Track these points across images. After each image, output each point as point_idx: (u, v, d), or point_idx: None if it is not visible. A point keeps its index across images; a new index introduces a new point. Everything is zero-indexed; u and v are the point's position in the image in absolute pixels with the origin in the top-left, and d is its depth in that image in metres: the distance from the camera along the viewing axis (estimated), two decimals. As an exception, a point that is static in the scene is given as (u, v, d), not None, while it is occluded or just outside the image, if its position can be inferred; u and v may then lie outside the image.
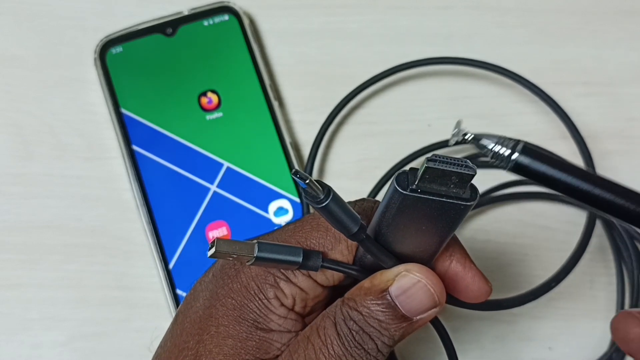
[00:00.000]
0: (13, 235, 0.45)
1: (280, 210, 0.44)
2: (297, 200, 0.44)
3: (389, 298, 0.28)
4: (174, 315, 0.43)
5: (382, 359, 0.29)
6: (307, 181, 0.24)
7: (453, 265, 0.30)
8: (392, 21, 0.48)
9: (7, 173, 0.45)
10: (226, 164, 0.45)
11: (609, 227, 0.44)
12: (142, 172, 0.45)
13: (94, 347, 0.43)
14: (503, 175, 0.41)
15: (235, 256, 0.27)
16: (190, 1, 0.47)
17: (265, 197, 0.44)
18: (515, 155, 0.25)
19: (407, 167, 0.29)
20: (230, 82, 0.46)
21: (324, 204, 0.25)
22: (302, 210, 0.44)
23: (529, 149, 0.25)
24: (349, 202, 0.26)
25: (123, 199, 0.45)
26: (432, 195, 0.25)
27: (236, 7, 0.47)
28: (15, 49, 0.47)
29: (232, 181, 0.45)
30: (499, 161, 0.25)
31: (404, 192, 0.25)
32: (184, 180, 0.45)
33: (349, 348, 0.28)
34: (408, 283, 0.28)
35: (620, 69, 0.47)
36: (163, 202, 0.44)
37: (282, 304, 0.30)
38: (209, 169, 0.45)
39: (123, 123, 0.45)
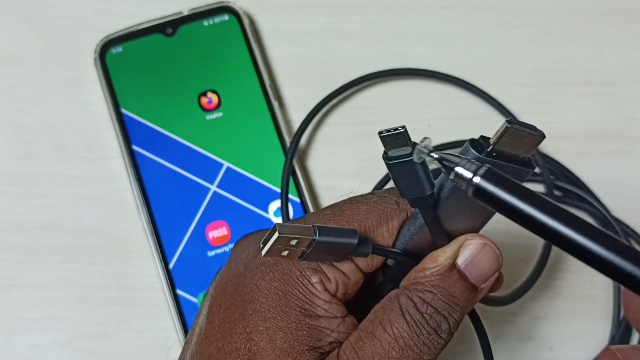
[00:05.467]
0: (13, 235, 0.45)
1: (280, 210, 0.44)
2: (297, 200, 0.44)
3: (458, 270, 0.28)
4: (173, 314, 0.43)
5: (449, 341, 0.28)
6: (403, 130, 0.24)
7: None
8: (392, 21, 0.48)
9: (7, 173, 0.45)
10: (226, 164, 0.45)
11: (606, 227, 0.44)
12: (142, 172, 0.45)
13: (94, 347, 0.43)
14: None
15: (296, 241, 0.26)
16: (190, 1, 0.47)
17: (265, 197, 0.44)
18: (476, 179, 0.23)
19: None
20: (230, 82, 0.46)
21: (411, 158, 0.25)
22: (302, 210, 0.44)
23: (493, 174, 0.23)
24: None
25: (123, 199, 0.45)
26: (505, 161, 0.25)
27: (236, 7, 0.47)
28: (15, 49, 0.47)
29: (232, 181, 0.45)
30: (460, 184, 0.23)
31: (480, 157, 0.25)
32: (184, 180, 0.45)
33: (421, 336, 0.28)
34: (475, 250, 0.28)
35: (620, 69, 0.47)
36: (163, 202, 0.44)
37: (326, 289, 0.29)
38: (209, 169, 0.45)
39: (123, 123, 0.45)
